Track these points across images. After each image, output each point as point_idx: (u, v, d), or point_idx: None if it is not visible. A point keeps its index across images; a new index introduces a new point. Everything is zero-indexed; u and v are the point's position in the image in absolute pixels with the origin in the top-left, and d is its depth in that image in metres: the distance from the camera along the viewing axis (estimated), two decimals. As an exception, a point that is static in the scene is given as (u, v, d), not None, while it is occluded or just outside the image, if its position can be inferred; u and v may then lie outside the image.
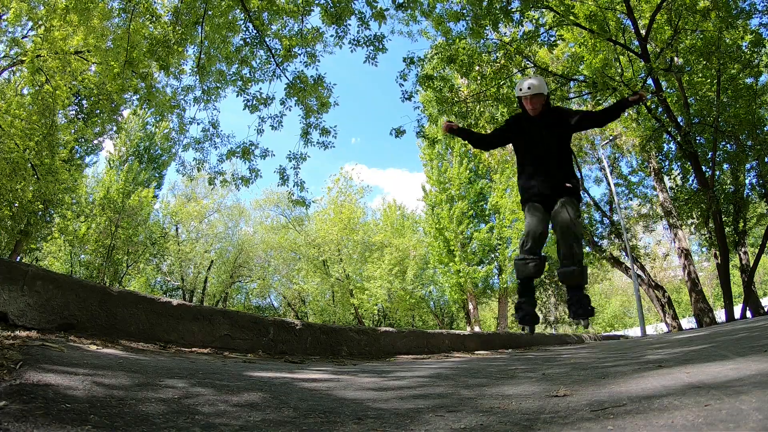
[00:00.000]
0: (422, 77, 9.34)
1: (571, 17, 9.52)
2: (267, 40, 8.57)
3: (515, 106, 9.95)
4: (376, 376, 2.46)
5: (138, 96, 9.54)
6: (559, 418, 1.10)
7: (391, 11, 8.13)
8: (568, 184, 3.06)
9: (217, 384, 1.64)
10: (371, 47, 8.22)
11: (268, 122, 9.03)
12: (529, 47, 9.29)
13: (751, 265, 12.15)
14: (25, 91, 11.69)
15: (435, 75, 9.70)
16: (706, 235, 13.18)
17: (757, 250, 13.05)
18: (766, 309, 12.65)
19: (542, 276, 21.71)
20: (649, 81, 10.11)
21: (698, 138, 10.98)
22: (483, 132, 8.89)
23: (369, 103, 74.80)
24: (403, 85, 9.30)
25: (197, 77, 8.71)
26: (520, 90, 3.15)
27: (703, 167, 10.87)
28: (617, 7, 10.30)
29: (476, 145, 3.63)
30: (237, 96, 8.87)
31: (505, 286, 19.97)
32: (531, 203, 3.22)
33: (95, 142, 15.65)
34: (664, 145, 12.59)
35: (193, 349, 3.08)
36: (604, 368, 2.29)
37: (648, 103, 10.58)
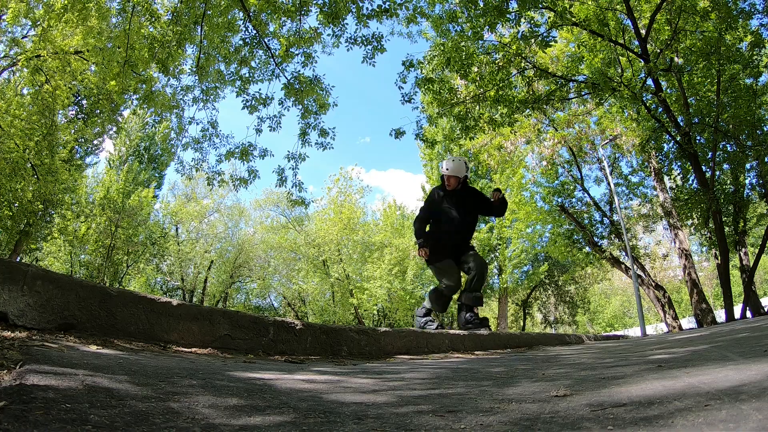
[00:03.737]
0: (420, 81, 9.34)
1: (570, 17, 9.51)
2: (266, 40, 8.57)
3: (515, 106, 9.97)
4: (376, 376, 2.46)
5: (138, 96, 9.54)
6: (559, 418, 1.10)
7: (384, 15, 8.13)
8: (473, 243, 4.64)
9: (217, 384, 1.65)
10: (369, 47, 8.22)
11: (267, 123, 9.03)
12: (528, 48, 9.28)
13: (751, 265, 12.15)
14: (25, 91, 11.68)
15: (434, 77, 9.70)
16: (706, 235, 13.18)
17: (757, 250, 13.04)
18: (766, 309, 12.65)
19: (542, 276, 21.77)
20: (649, 81, 10.11)
21: (698, 138, 10.98)
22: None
23: (369, 103, 74.80)
24: (402, 87, 9.31)
25: (196, 77, 8.71)
26: (445, 171, 4.43)
27: (703, 167, 10.86)
28: (617, 7, 10.30)
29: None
30: (236, 96, 8.88)
31: (504, 286, 19.98)
32: (447, 260, 4.66)
33: (95, 142, 15.67)
34: (664, 145, 12.58)
35: (193, 349, 3.08)
36: (604, 368, 2.29)
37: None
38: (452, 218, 4.38)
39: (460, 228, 4.43)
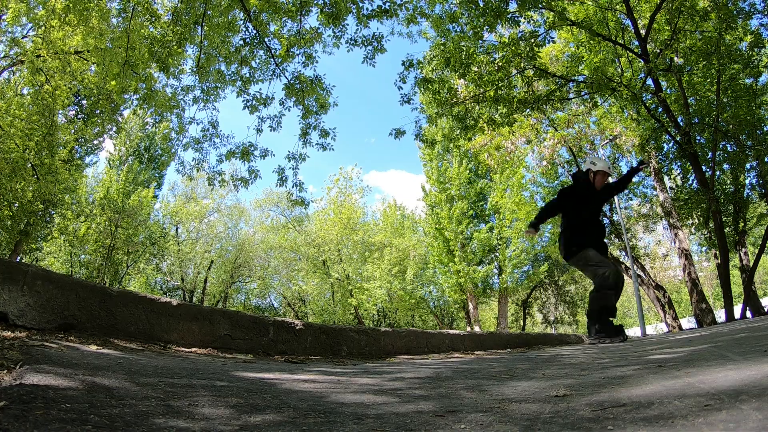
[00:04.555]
0: (420, 81, 9.34)
1: (571, 16, 9.52)
2: (266, 40, 8.57)
3: (515, 106, 9.96)
4: (376, 376, 2.46)
5: (138, 96, 9.54)
6: (559, 418, 1.10)
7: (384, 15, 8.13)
8: (605, 240, 4.55)
9: (217, 384, 1.65)
10: (370, 47, 8.22)
11: (267, 123, 9.03)
12: (528, 48, 9.28)
13: (751, 265, 12.14)
14: (25, 91, 11.68)
15: (434, 77, 9.70)
16: (706, 235, 13.18)
17: (757, 250, 13.04)
18: (766, 309, 12.65)
19: (542, 276, 21.79)
20: (649, 81, 10.11)
21: (698, 138, 10.98)
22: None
23: (368, 103, 74.79)
24: (401, 88, 9.31)
25: (197, 77, 8.71)
26: (597, 166, 4.33)
27: (703, 167, 10.86)
28: (617, 7, 10.30)
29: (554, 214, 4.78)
30: (237, 96, 8.88)
31: (504, 286, 19.98)
32: (593, 251, 4.25)
33: (95, 142, 15.65)
34: (664, 145, 12.59)
35: (193, 349, 3.08)
36: (605, 368, 2.29)
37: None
38: (594, 214, 4.34)
39: (599, 226, 4.38)
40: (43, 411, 0.98)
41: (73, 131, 12.66)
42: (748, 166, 12.47)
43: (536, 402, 1.37)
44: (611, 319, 4.09)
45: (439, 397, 1.57)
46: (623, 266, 15.93)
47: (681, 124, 10.73)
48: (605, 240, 4.21)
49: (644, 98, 10.13)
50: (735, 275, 18.08)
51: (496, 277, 20.23)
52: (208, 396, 1.40)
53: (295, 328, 3.94)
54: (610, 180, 4.68)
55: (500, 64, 9.58)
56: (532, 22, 9.52)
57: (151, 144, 24.66)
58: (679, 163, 12.85)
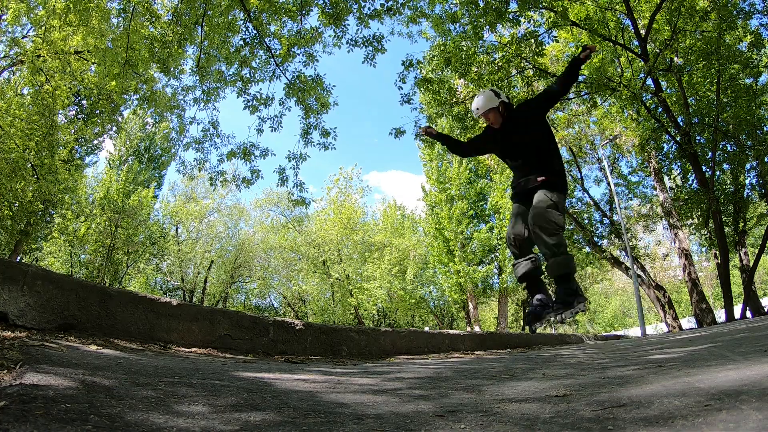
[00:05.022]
0: (420, 81, 9.34)
1: (571, 16, 9.51)
2: (266, 40, 8.57)
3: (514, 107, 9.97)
4: (376, 376, 2.46)
5: (138, 96, 9.54)
6: (559, 418, 1.10)
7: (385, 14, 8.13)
8: (540, 178, 3.01)
9: (217, 384, 1.65)
10: (370, 48, 8.22)
11: (268, 123, 9.03)
12: (528, 48, 9.29)
13: (751, 265, 12.14)
14: (25, 91, 11.68)
15: (434, 77, 9.71)
16: (706, 235, 13.18)
17: (757, 250, 13.04)
18: (766, 309, 12.65)
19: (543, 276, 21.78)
20: (649, 81, 10.11)
21: (698, 138, 10.98)
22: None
23: (368, 104, 74.84)
24: (401, 88, 9.32)
25: (197, 77, 8.71)
26: (476, 110, 3.24)
27: (703, 167, 10.86)
28: (617, 7, 10.30)
29: (453, 151, 3.67)
30: (237, 97, 8.88)
31: (504, 286, 19.97)
32: (513, 205, 3.23)
33: (95, 142, 15.65)
34: (664, 145, 12.59)
35: (193, 349, 3.08)
36: (605, 368, 2.29)
37: (650, 102, 10.61)
38: (509, 151, 3.25)
39: (520, 162, 3.21)
40: (43, 411, 0.98)
41: (73, 131, 12.66)
42: (748, 166, 12.47)
43: (536, 402, 1.37)
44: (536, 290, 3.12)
45: (439, 397, 1.57)
46: (623, 266, 15.93)
47: (681, 124, 10.73)
48: (541, 181, 3.01)
49: (644, 98, 10.13)
50: (735, 275, 18.08)
51: (496, 277, 20.22)
52: (208, 396, 1.40)
53: (295, 328, 3.94)
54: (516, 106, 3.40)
55: (500, 64, 9.58)
56: (532, 22, 9.53)
57: (151, 144, 24.67)
58: (679, 163, 12.85)
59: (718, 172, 12.08)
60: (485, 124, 3.38)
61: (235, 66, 8.73)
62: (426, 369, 3.03)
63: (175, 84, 9.21)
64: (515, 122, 3.21)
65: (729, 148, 11.90)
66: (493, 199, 19.79)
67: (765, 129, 11.36)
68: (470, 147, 3.64)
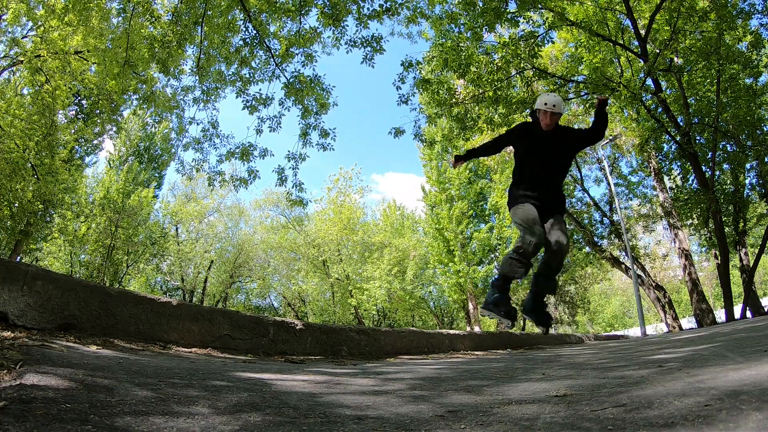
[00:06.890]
0: (419, 82, 9.33)
1: (571, 17, 9.51)
2: (266, 40, 8.57)
3: (514, 107, 9.96)
4: (376, 376, 2.46)
5: (138, 96, 9.54)
6: (559, 418, 1.10)
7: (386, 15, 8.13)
8: (560, 202, 3.29)
9: (217, 384, 1.65)
10: (369, 48, 8.22)
11: (267, 123, 9.03)
12: (527, 51, 9.29)
13: (751, 265, 12.15)
14: (25, 91, 11.68)
15: (433, 78, 9.70)
16: (706, 236, 13.17)
17: (757, 250, 13.04)
18: (766, 309, 12.66)
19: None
20: (649, 81, 10.11)
21: (698, 138, 10.98)
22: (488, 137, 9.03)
23: (368, 104, 74.80)
24: (400, 88, 9.30)
25: (197, 77, 8.71)
26: (545, 104, 3.26)
27: (703, 167, 10.86)
28: (617, 7, 10.30)
29: (488, 155, 3.79)
30: (237, 97, 8.87)
31: (505, 286, 19.93)
32: (527, 206, 3.26)
33: (95, 142, 15.65)
34: (664, 145, 12.58)
35: (193, 349, 3.07)
36: (605, 368, 2.29)
37: (647, 103, 10.62)
38: (544, 158, 3.34)
39: (551, 172, 3.37)
40: (43, 411, 0.98)
41: (73, 131, 12.65)
42: (748, 166, 12.47)
43: (536, 402, 1.37)
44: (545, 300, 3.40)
45: (439, 397, 1.57)
46: (623, 266, 15.93)
47: (681, 124, 10.73)
48: (560, 204, 3.32)
49: (644, 98, 10.12)
50: (735, 275, 18.07)
51: (496, 277, 20.22)
52: (208, 396, 1.40)
53: (295, 329, 3.94)
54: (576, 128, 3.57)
55: (499, 64, 9.58)
56: (531, 22, 9.52)
57: (151, 144, 24.66)
58: (679, 163, 12.85)
59: (718, 172, 12.08)
60: (522, 120, 3.54)
61: (235, 66, 8.72)
62: (426, 369, 3.03)
63: (175, 84, 9.21)
64: (561, 138, 3.35)
65: (729, 148, 11.90)
66: (493, 199, 19.79)
67: (765, 129, 11.37)
68: (503, 142, 3.65)
